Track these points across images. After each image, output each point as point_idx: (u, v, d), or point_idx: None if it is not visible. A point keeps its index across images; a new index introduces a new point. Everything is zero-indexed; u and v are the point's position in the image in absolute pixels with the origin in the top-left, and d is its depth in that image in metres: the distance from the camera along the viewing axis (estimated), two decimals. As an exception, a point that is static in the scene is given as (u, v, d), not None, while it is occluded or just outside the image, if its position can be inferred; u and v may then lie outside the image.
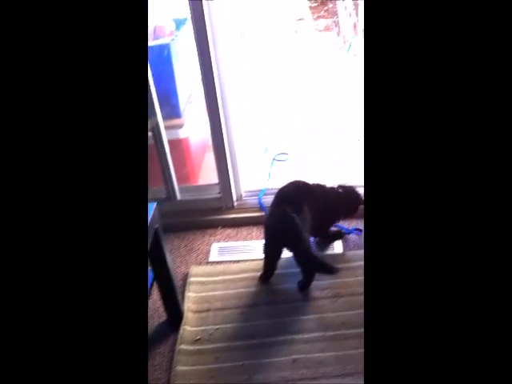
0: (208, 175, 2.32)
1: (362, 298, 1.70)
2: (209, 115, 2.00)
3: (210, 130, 2.04)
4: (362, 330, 1.55)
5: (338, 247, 1.96)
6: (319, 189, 1.88)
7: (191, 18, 1.78)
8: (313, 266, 1.70)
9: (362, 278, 1.65)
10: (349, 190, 1.95)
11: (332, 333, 1.56)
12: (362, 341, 1.49)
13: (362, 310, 1.67)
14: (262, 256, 1.79)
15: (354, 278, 1.74)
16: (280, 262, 1.78)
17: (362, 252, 1.85)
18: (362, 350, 1.47)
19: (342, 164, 2.52)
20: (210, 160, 2.18)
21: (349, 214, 1.99)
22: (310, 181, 1.89)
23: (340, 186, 1.96)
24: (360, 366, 1.43)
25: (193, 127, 2.30)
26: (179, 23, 2.35)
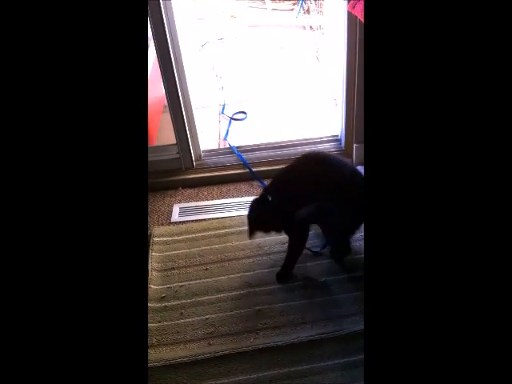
0: (165, 136, 2.29)
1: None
2: (162, 73, 1.95)
3: (164, 90, 2.00)
4: (320, 280, 1.65)
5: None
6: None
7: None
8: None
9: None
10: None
11: (292, 284, 1.64)
12: (319, 291, 1.58)
13: (319, 262, 1.76)
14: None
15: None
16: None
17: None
18: (320, 299, 1.57)
19: (300, 121, 2.55)
20: (166, 120, 2.14)
21: None
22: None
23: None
24: (318, 314, 1.53)
25: (148, 87, 2.24)
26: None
